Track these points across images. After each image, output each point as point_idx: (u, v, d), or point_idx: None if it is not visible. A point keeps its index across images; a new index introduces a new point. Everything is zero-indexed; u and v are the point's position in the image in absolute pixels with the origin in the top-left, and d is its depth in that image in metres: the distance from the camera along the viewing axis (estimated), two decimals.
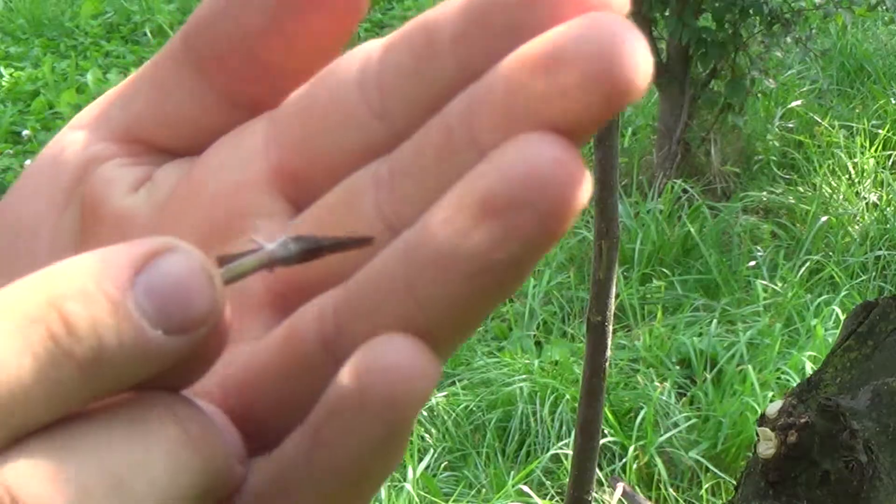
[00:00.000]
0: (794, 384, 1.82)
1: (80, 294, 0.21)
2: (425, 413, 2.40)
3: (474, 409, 2.41)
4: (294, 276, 0.25)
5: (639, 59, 0.21)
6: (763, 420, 0.98)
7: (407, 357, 0.22)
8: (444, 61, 0.24)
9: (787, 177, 3.33)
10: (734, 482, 2.08)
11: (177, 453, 0.22)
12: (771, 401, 2.17)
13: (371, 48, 0.25)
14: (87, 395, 0.21)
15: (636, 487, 2.18)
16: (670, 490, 2.21)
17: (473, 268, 0.21)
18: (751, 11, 3.10)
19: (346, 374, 0.22)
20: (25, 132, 3.70)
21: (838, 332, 1.42)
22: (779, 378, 2.45)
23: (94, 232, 0.27)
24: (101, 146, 0.28)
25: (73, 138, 0.29)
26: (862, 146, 3.36)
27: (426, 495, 2.18)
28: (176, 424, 0.22)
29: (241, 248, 0.24)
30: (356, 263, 0.24)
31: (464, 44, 0.23)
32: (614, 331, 2.19)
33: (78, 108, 3.83)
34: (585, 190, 0.21)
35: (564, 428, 2.33)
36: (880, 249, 2.94)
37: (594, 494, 1.19)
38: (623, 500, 1.91)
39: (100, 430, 0.22)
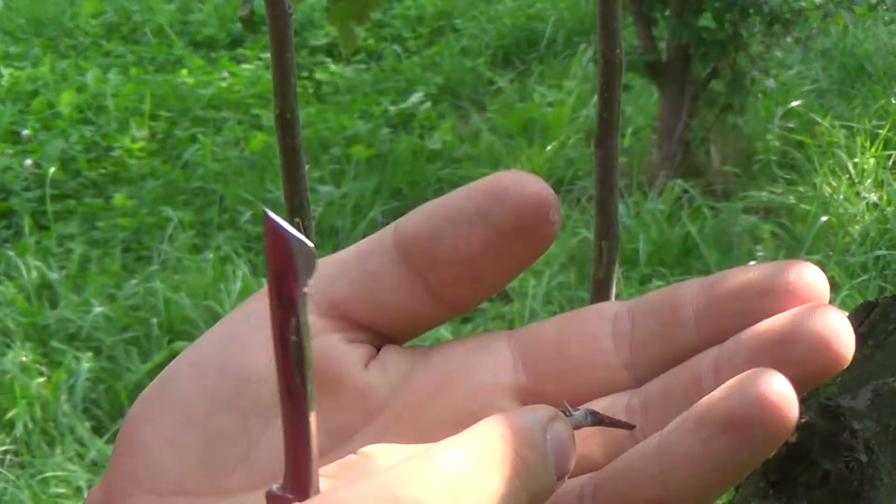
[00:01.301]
0: None
1: (530, 444, 0.28)
2: None
3: None
4: None
5: (848, 339, 0.30)
6: None
7: None
8: (687, 332, 0.33)
9: (788, 177, 3.33)
10: None
11: None
12: None
13: (616, 308, 0.34)
14: None
15: None
16: None
17: (714, 467, 0.29)
18: (751, 11, 3.10)
19: None
20: (25, 132, 3.70)
21: None
22: None
23: (335, 398, 0.33)
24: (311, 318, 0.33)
25: None
26: (862, 146, 3.36)
27: None
28: None
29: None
30: (604, 452, 0.32)
31: (705, 321, 0.32)
32: None
33: (78, 107, 3.83)
34: (796, 415, 0.28)
35: None
36: (880, 249, 2.94)
37: None
38: None
39: None
